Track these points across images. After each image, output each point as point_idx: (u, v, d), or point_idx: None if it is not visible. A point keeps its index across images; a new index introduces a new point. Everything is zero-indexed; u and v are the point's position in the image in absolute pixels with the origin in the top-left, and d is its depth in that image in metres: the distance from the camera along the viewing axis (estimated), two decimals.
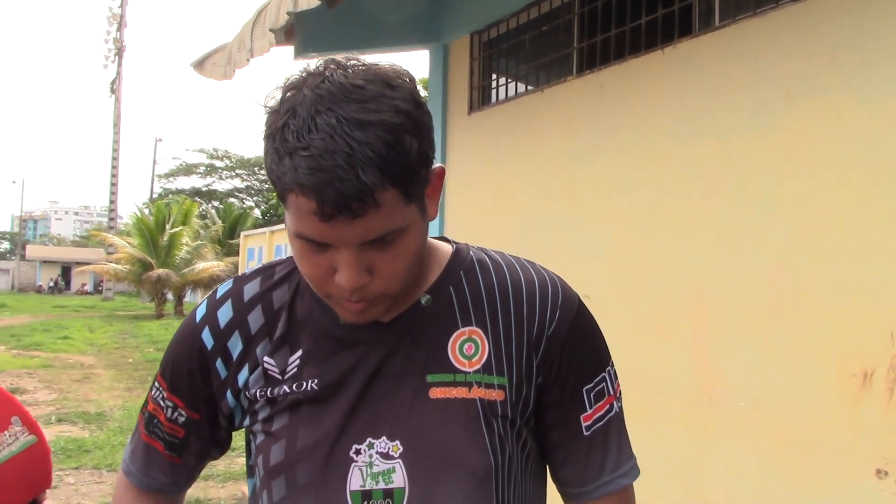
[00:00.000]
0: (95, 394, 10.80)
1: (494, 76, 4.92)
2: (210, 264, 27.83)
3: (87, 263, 36.63)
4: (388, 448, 1.11)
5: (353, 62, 1.01)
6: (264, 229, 21.67)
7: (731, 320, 3.18)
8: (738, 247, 3.15)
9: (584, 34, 4.19)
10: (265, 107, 1.02)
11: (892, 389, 2.60)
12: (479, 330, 1.15)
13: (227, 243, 31.38)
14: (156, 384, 1.26)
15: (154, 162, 56.48)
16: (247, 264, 21.94)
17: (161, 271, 27.07)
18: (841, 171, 2.78)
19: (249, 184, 47.92)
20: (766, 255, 3.03)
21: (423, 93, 1.06)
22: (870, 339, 2.66)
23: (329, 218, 0.96)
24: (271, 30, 4.31)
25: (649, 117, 3.64)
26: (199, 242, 29.61)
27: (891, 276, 2.61)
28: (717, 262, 3.25)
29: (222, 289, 1.24)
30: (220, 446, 1.28)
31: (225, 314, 1.20)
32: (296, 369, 1.15)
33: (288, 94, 0.99)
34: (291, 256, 1.21)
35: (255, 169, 46.84)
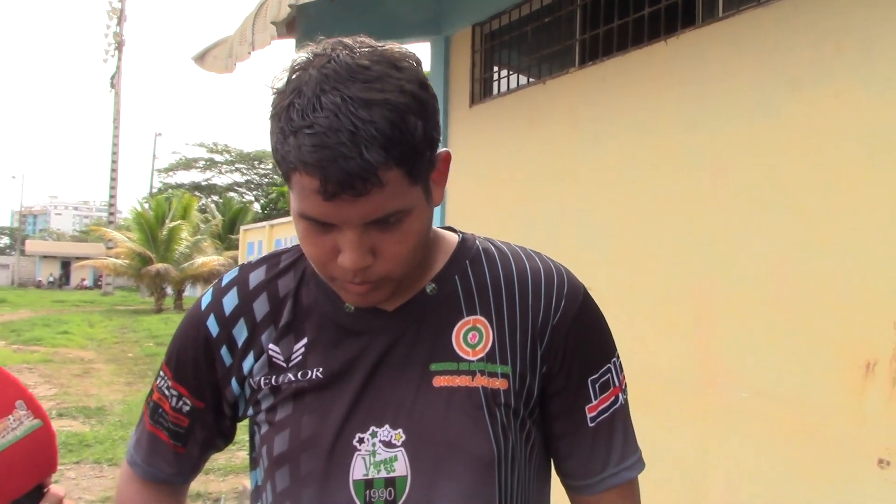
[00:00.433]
0: (96, 388, 10.81)
1: (496, 68, 4.91)
2: (209, 259, 27.84)
3: (87, 258, 36.63)
4: (391, 436, 1.10)
5: (359, 43, 1.01)
6: (264, 223, 21.65)
7: (735, 311, 3.17)
8: (742, 237, 3.15)
9: (586, 26, 4.17)
10: (271, 88, 1.02)
11: (894, 380, 2.59)
12: (483, 319, 1.15)
13: (226, 238, 31.39)
14: (161, 373, 1.26)
15: (154, 156, 56.66)
16: (247, 258, 21.96)
17: (160, 266, 27.08)
18: (846, 160, 2.78)
19: (249, 178, 47.90)
20: (769, 245, 3.03)
21: None
22: (873, 329, 2.66)
23: (332, 197, 0.95)
24: (273, 22, 4.30)
25: (652, 109, 3.63)
26: (199, 237, 29.60)
27: (894, 266, 2.60)
28: (720, 252, 3.24)
29: (227, 277, 1.24)
30: (225, 436, 1.27)
31: (230, 302, 1.20)
32: (300, 357, 1.15)
33: (294, 74, 0.99)
34: (297, 245, 1.21)
35: (255, 163, 46.82)
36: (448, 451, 1.09)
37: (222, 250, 30.19)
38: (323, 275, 1.09)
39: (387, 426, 1.11)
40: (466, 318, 1.14)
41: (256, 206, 38.84)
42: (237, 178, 48.54)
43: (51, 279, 60.11)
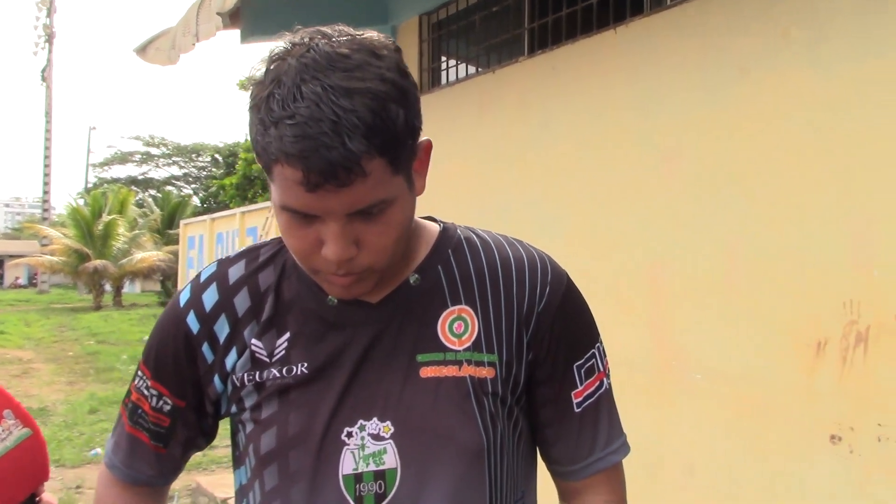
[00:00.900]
0: (36, 388, 10.57)
1: (444, 58, 4.91)
2: (149, 254, 27.34)
3: (21, 256, 35.72)
4: (379, 429, 1.10)
5: (337, 32, 1.00)
6: (205, 217, 21.31)
7: (688, 294, 3.23)
8: (694, 221, 3.20)
9: (535, 14, 4.19)
10: (250, 79, 1.02)
11: (845, 358, 2.67)
12: (468, 308, 1.14)
13: (165, 232, 30.82)
14: (139, 373, 1.23)
15: (88, 151, 55.24)
16: (187, 253, 21.57)
17: (98, 262, 26.50)
18: (794, 144, 2.84)
19: (187, 171, 47.09)
20: (721, 228, 3.09)
21: None
22: (824, 309, 2.73)
23: (315, 188, 0.95)
24: (218, 13, 4.24)
25: (603, 97, 3.66)
26: (137, 232, 29.05)
27: (844, 247, 2.67)
28: (673, 237, 3.30)
29: (206, 272, 1.21)
30: (207, 435, 1.25)
31: (210, 297, 1.18)
32: (284, 352, 1.14)
33: (272, 64, 0.98)
34: (275, 239, 1.20)
35: (193, 156, 46.05)
36: (437, 442, 1.09)
37: (161, 245, 29.66)
38: (306, 267, 1.08)
39: (375, 419, 1.10)
40: (451, 308, 1.14)
41: (196, 200, 38.19)
42: (175, 171, 47.69)
43: None
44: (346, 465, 1.09)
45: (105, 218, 27.93)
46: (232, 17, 4.53)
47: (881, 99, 2.60)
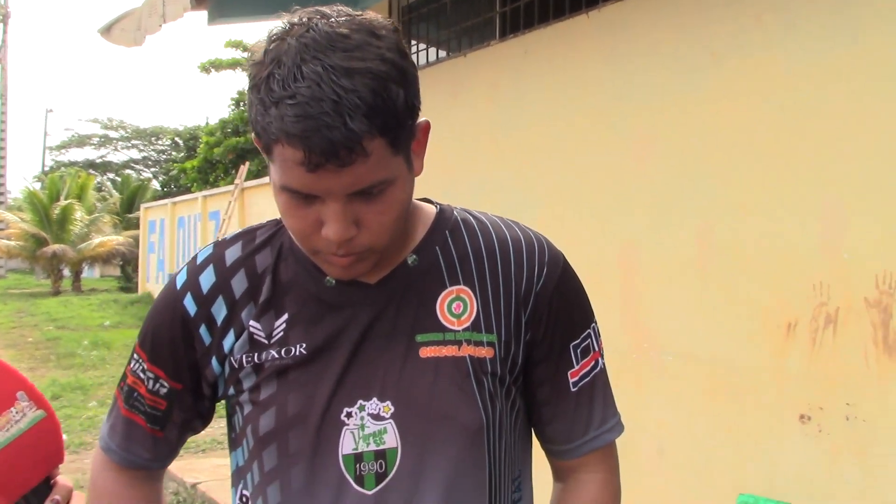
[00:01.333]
0: None
1: (415, 42, 4.88)
2: (108, 238, 26.97)
3: None
4: (379, 409, 1.10)
5: (336, 12, 1.00)
6: (166, 201, 21.13)
7: (660, 277, 3.27)
8: (666, 205, 3.24)
9: None
10: (248, 60, 1.02)
11: (814, 339, 2.72)
12: (466, 288, 1.15)
13: (125, 216, 30.42)
14: (134, 356, 1.22)
15: (45, 133, 54.32)
16: (148, 237, 21.38)
17: (57, 247, 26.08)
18: (765, 129, 2.88)
19: (146, 155, 46.42)
20: (693, 212, 3.12)
21: None
22: (794, 292, 2.78)
23: (316, 168, 0.95)
24: None
25: (575, 81, 3.68)
26: (96, 215, 28.63)
27: (813, 231, 2.72)
28: (645, 220, 3.33)
29: (202, 254, 1.21)
30: (203, 418, 1.25)
31: (207, 279, 1.17)
32: (282, 333, 1.14)
33: (271, 45, 0.98)
34: (271, 221, 1.21)
35: (152, 139, 45.45)
36: (437, 421, 1.10)
37: (121, 229, 29.28)
38: (305, 248, 1.08)
39: (374, 399, 1.11)
40: (450, 289, 1.15)
41: (155, 184, 37.70)
42: (134, 154, 47.01)
43: None
44: (346, 444, 1.10)
45: (62, 202, 27.49)
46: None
47: (852, 85, 2.64)
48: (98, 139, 46.52)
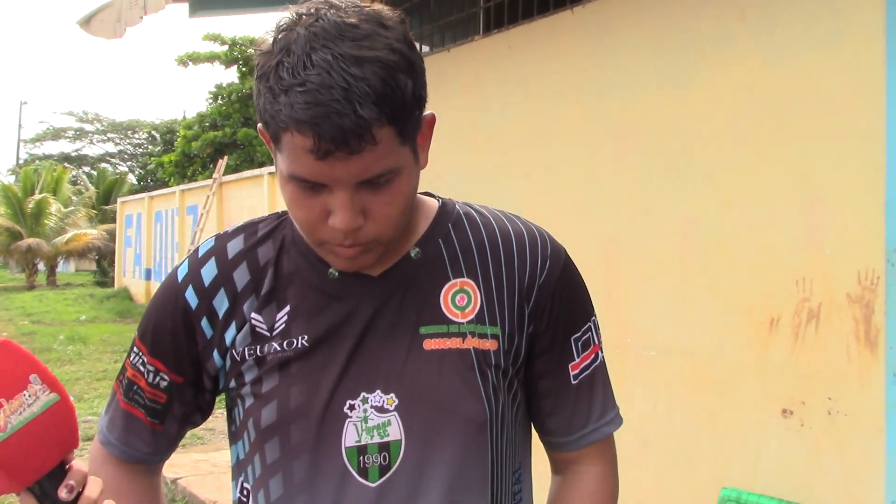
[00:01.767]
0: None
1: None
2: (83, 231, 26.74)
3: None
4: (383, 401, 1.11)
5: (345, 3, 1.01)
6: (143, 195, 20.99)
7: (643, 273, 3.29)
8: (650, 201, 3.26)
9: None
10: (256, 50, 1.02)
11: (797, 334, 2.75)
12: (470, 281, 1.16)
13: (101, 209, 30.19)
14: (134, 349, 1.22)
15: (19, 126, 53.73)
16: (125, 232, 21.22)
17: (31, 241, 25.85)
18: (748, 126, 2.90)
19: (122, 148, 46.11)
20: (676, 208, 3.14)
21: None
22: (776, 287, 2.80)
23: (325, 155, 0.95)
24: None
25: (559, 77, 3.69)
26: (71, 209, 28.39)
27: (796, 226, 2.75)
28: (628, 216, 3.35)
29: (204, 247, 1.21)
30: (203, 411, 1.25)
31: (209, 272, 1.17)
32: (284, 325, 1.14)
33: (280, 34, 0.99)
34: (273, 214, 1.21)
35: (129, 133, 45.12)
36: (441, 414, 1.11)
37: (97, 223, 29.05)
38: (311, 239, 1.08)
39: (378, 391, 1.11)
40: (453, 281, 1.16)
41: (131, 177, 37.47)
42: (110, 148, 46.69)
43: None
44: (349, 437, 1.10)
45: (37, 196, 27.23)
46: None
47: (834, 84, 2.67)
48: (73, 132, 46.15)
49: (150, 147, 41.58)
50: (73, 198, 30.14)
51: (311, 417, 1.10)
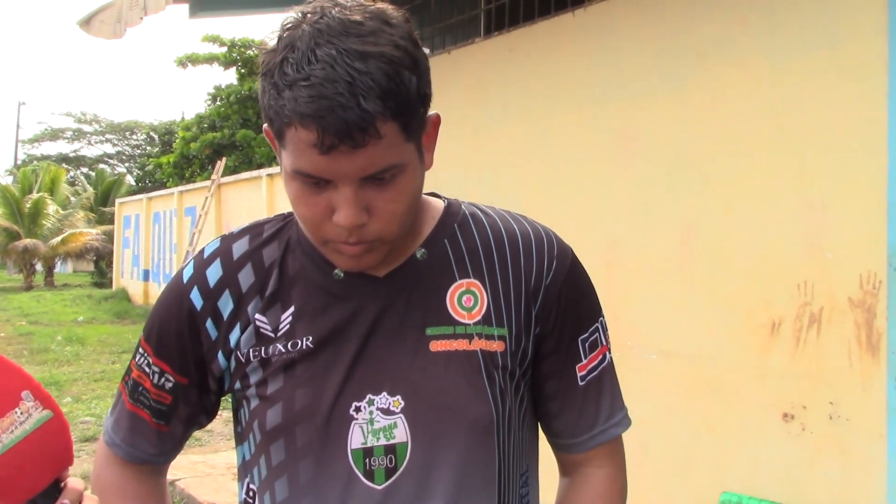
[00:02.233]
0: None
1: None
2: (80, 231, 26.69)
3: None
4: (389, 403, 1.10)
5: (350, 1, 1.02)
6: (141, 196, 20.95)
7: (644, 276, 3.28)
8: (650, 204, 3.25)
9: None
10: (261, 49, 1.03)
11: (798, 338, 2.75)
12: (476, 282, 1.15)
13: (99, 210, 30.15)
14: (140, 350, 1.21)
15: (17, 126, 53.58)
16: (123, 233, 21.18)
17: (29, 241, 25.79)
18: (749, 130, 2.90)
19: (121, 149, 46.05)
20: (677, 211, 3.14)
21: None
22: (778, 291, 2.80)
23: (329, 149, 0.95)
24: None
25: (560, 80, 3.69)
26: (69, 210, 28.35)
27: (798, 230, 2.74)
28: (629, 219, 3.34)
29: (209, 248, 1.21)
30: (208, 413, 1.24)
31: (214, 273, 1.17)
32: (288, 326, 1.13)
33: (285, 32, 1.00)
34: (279, 215, 1.21)
35: (127, 134, 45.09)
36: (448, 416, 1.10)
37: (95, 224, 29.01)
38: (315, 237, 1.08)
39: (384, 393, 1.10)
40: (460, 282, 1.15)
41: (130, 179, 37.41)
42: (108, 149, 46.63)
43: None
44: (355, 439, 1.09)
45: (34, 196, 27.19)
46: None
47: (834, 88, 2.67)
48: (71, 133, 46.11)
49: (148, 148, 41.56)
50: (72, 199, 30.10)
51: (317, 419, 1.10)
